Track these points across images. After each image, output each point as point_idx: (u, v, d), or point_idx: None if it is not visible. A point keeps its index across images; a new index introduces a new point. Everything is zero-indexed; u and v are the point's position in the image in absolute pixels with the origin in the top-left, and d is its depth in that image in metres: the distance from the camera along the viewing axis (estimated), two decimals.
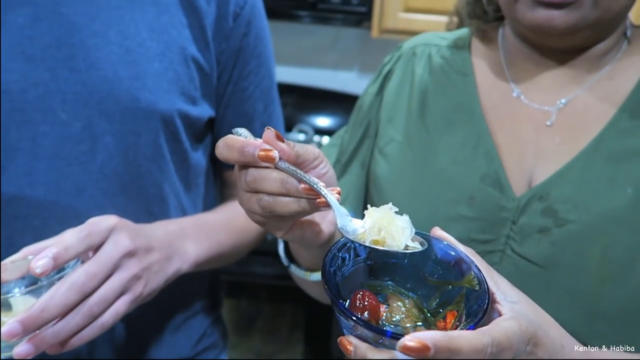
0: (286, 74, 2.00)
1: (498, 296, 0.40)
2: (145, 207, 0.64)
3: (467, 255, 0.42)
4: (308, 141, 1.89)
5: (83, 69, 0.58)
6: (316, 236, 0.49)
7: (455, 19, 0.73)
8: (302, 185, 0.41)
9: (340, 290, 0.41)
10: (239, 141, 0.42)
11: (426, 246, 0.41)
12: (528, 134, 0.60)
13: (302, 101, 1.98)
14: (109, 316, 0.50)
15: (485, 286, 0.39)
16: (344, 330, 0.38)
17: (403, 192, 0.63)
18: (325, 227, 0.49)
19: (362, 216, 0.43)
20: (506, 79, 0.63)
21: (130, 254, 0.52)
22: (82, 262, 0.51)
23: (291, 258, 0.62)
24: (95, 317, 0.49)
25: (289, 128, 1.91)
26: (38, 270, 0.46)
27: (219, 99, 0.70)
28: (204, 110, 0.67)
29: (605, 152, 0.55)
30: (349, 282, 0.43)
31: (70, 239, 0.49)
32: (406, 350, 0.34)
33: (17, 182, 0.59)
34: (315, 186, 0.40)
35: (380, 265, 0.44)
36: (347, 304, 0.40)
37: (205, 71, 0.66)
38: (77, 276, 0.48)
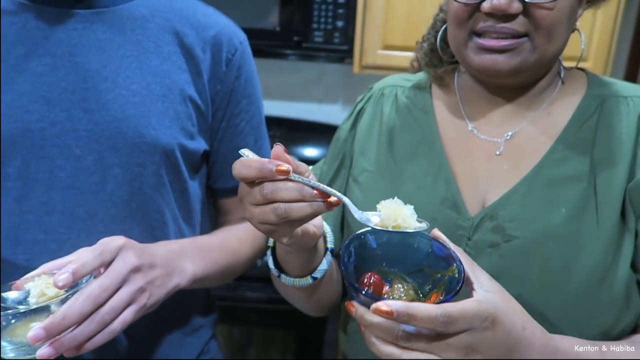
0: (275, 108, 2.10)
1: (475, 285, 0.51)
2: (149, 230, 0.71)
3: (454, 252, 0.53)
4: None
5: (95, 109, 0.67)
6: (311, 239, 0.57)
7: (415, 64, 0.83)
8: (315, 191, 0.49)
9: (353, 273, 0.52)
10: (254, 160, 0.50)
11: (429, 225, 0.53)
12: (481, 162, 0.69)
13: (290, 133, 2.08)
14: (118, 324, 0.57)
15: (462, 274, 0.50)
16: (353, 300, 0.49)
17: None
18: (317, 231, 0.58)
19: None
20: (462, 115, 0.72)
21: (136, 270, 0.59)
22: (95, 277, 0.58)
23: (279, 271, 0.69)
24: (106, 325, 0.56)
25: None
26: (60, 284, 0.53)
27: (213, 134, 0.78)
28: (200, 144, 0.75)
29: (544, 177, 0.64)
30: (361, 268, 0.54)
31: (86, 256, 0.56)
32: (376, 312, 0.45)
33: (36, 210, 0.66)
34: (329, 191, 0.50)
35: (389, 257, 0.56)
36: (357, 282, 0.51)
37: (201, 110, 0.74)
38: (92, 289, 0.55)
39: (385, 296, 0.52)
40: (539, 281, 0.60)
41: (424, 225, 0.52)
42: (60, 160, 0.66)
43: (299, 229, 0.54)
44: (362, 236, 0.55)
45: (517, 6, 0.59)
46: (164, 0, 0.74)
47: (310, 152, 2.07)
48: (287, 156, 0.50)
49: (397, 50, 1.68)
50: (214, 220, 0.89)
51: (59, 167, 0.66)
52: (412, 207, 0.53)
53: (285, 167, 0.49)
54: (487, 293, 0.50)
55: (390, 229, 0.51)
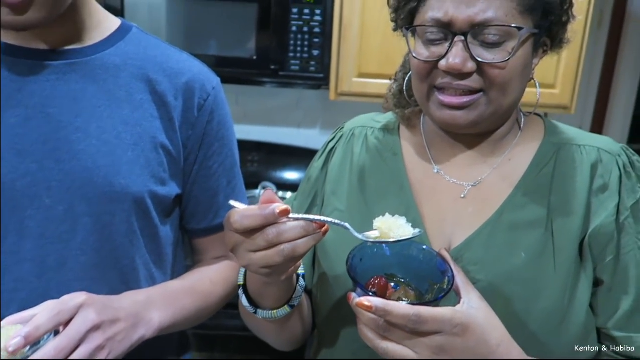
0: (254, 132, 2.12)
1: (463, 299, 0.57)
2: (119, 277, 0.72)
3: (451, 269, 0.59)
4: None
5: (66, 160, 0.68)
6: (296, 268, 0.60)
7: (386, 104, 0.85)
8: (314, 224, 0.54)
9: (358, 271, 0.58)
10: (253, 208, 0.53)
11: (422, 231, 0.60)
12: (447, 204, 0.71)
13: (269, 157, 2.10)
14: None
15: (450, 286, 0.57)
16: (355, 293, 0.57)
17: (346, 255, 0.73)
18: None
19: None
20: (428, 158, 0.75)
21: (96, 327, 0.59)
22: (55, 333, 0.58)
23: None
24: None
25: (256, 184, 2.01)
26: (11, 349, 0.53)
27: (186, 177, 0.79)
28: (171, 189, 0.76)
29: (505, 222, 0.67)
30: (373, 272, 0.61)
31: (41, 318, 0.56)
32: (359, 306, 0.53)
33: (5, 259, 0.66)
34: (327, 220, 0.55)
35: (401, 266, 0.63)
36: (367, 282, 0.59)
37: (173, 155, 0.76)
38: (48, 351, 0.55)
39: (389, 296, 0.59)
40: (502, 321, 0.62)
41: (417, 232, 0.59)
42: (31, 210, 0.67)
43: None
44: (378, 244, 0.61)
45: (471, 66, 0.62)
46: (138, 49, 0.76)
47: (291, 175, 2.09)
48: (278, 198, 0.54)
49: (372, 78, 1.72)
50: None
51: (29, 217, 0.67)
52: (404, 217, 0.59)
53: (284, 207, 0.53)
54: (470, 308, 0.56)
55: (395, 240, 0.58)
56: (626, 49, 2.71)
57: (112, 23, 0.76)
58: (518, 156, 0.72)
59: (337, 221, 0.56)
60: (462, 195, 0.71)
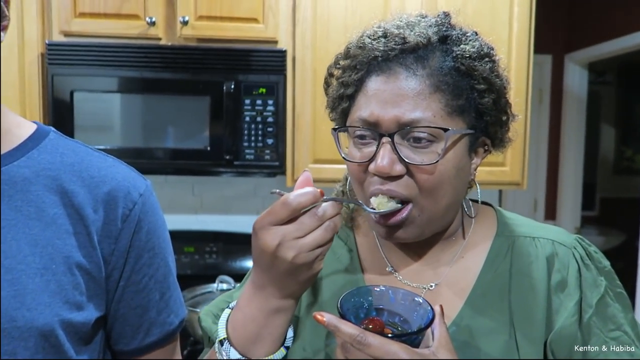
0: (211, 222, 2.05)
1: (430, 343, 0.55)
2: None
3: (435, 321, 0.56)
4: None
5: None
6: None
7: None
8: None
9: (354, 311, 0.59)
10: (306, 189, 0.55)
11: (400, 206, 0.62)
12: None
13: (228, 247, 2.02)
14: None
15: (424, 328, 0.55)
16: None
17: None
18: None
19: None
20: (381, 256, 0.71)
21: None
22: None
23: None
24: None
25: (214, 276, 1.90)
26: None
27: (110, 295, 0.71)
28: (90, 314, 0.67)
29: (467, 329, 0.62)
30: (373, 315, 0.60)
31: None
32: (315, 318, 0.54)
33: None
34: (345, 201, 0.64)
35: (402, 314, 0.61)
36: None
37: (91, 274, 0.68)
38: None
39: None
40: None
41: (397, 205, 0.61)
42: None
43: None
44: (388, 291, 0.61)
45: (399, 168, 0.60)
46: (53, 157, 0.69)
47: (251, 264, 2.00)
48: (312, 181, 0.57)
49: (326, 164, 1.72)
50: None
51: None
52: (394, 200, 0.61)
53: (321, 189, 0.55)
54: (428, 351, 0.53)
55: (385, 210, 0.61)
56: (568, 121, 2.87)
57: (24, 129, 0.70)
58: (471, 252, 0.68)
59: (358, 201, 0.63)
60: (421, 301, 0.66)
